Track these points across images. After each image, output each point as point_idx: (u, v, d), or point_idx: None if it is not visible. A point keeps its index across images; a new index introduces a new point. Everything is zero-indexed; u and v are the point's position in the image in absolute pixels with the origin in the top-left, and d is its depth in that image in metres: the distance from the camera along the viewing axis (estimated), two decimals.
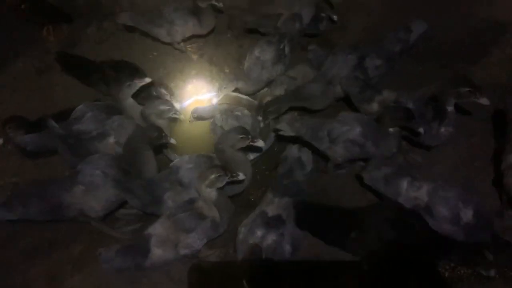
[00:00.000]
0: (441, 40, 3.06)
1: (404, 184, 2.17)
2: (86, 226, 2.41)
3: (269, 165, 2.73)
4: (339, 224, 2.21)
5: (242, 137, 2.25)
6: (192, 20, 3.03)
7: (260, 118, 2.70)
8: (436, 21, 3.01)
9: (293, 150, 2.48)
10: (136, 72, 2.77)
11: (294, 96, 2.68)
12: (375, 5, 3.33)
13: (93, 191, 2.20)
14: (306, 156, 2.47)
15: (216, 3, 2.98)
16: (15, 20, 3.26)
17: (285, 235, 2.12)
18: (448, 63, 2.97)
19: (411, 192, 2.15)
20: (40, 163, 2.72)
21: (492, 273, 2.10)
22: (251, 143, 2.29)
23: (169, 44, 3.21)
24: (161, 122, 2.54)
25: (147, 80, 2.55)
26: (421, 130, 2.24)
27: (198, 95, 3.07)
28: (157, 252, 2.05)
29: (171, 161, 2.49)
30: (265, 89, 2.94)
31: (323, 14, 3.06)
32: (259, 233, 2.10)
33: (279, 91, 2.80)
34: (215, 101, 2.87)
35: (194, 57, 3.31)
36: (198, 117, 2.81)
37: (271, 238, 2.09)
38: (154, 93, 2.81)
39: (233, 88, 2.86)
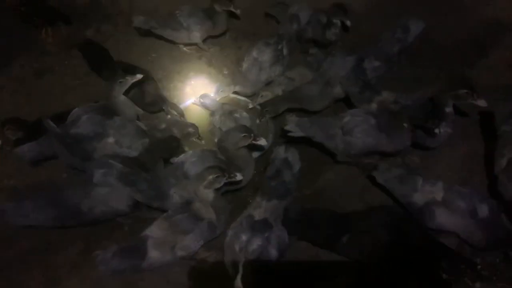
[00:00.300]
0: (440, 42, 3.07)
1: (420, 180, 2.20)
2: (82, 229, 2.40)
3: (259, 167, 2.74)
4: (331, 228, 2.20)
5: (244, 136, 2.26)
6: (207, 23, 3.08)
7: (250, 105, 2.76)
8: (435, 23, 3.02)
9: (280, 151, 2.45)
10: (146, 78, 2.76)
11: (292, 96, 2.70)
12: (373, 8, 3.33)
13: (113, 192, 2.22)
14: (293, 156, 2.44)
15: (234, 10, 3.03)
16: (14, 21, 3.26)
17: (271, 239, 2.09)
18: (446, 65, 2.98)
19: (428, 187, 2.17)
20: (37, 166, 2.70)
21: (478, 285, 2.10)
22: (253, 141, 2.30)
23: (178, 44, 3.26)
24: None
25: (139, 76, 2.54)
26: (437, 130, 2.25)
27: (196, 97, 3.06)
28: (154, 254, 2.04)
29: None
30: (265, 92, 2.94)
31: (335, 20, 2.96)
32: (244, 237, 2.07)
33: (277, 91, 2.80)
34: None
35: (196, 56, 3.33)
36: (203, 104, 2.81)
37: (256, 242, 2.06)
38: (163, 108, 2.81)
39: (230, 93, 2.88)
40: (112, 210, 2.28)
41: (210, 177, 2.07)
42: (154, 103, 2.81)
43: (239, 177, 2.15)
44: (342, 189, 2.57)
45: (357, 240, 2.11)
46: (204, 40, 3.24)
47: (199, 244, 2.12)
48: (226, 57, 3.28)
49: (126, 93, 2.63)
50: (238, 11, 3.06)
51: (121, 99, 2.57)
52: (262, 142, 2.32)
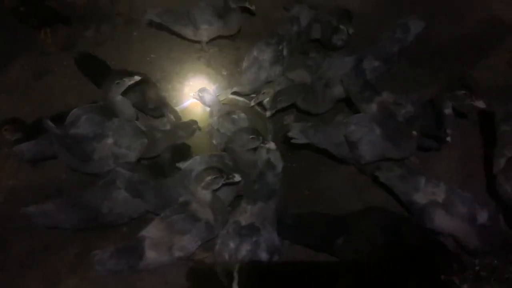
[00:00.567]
0: (438, 42, 3.06)
1: (423, 180, 2.20)
2: (80, 229, 2.40)
3: None
4: (325, 231, 2.20)
5: (252, 137, 2.27)
6: (218, 22, 3.07)
7: (253, 102, 2.75)
8: (433, 23, 3.02)
9: (262, 153, 2.40)
10: (145, 82, 2.77)
11: (304, 88, 2.68)
12: (371, 8, 3.33)
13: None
14: (274, 156, 2.40)
15: (249, 6, 3.02)
16: (13, 22, 3.26)
17: (260, 242, 2.08)
18: (445, 66, 2.97)
19: (430, 187, 2.17)
20: (37, 166, 2.71)
21: (465, 286, 2.10)
22: (261, 144, 2.30)
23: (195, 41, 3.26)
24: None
25: (136, 78, 2.54)
26: (449, 139, 2.24)
27: (195, 91, 3.06)
28: (151, 255, 2.04)
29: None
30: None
31: (341, 27, 2.95)
32: (232, 244, 2.07)
33: (277, 89, 2.78)
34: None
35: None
36: (202, 98, 2.79)
37: (245, 248, 2.05)
38: (164, 111, 2.82)
39: (229, 93, 2.88)
40: (129, 213, 2.32)
41: (208, 178, 2.06)
42: (157, 108, 2.82)
43: (237, 178, 2.15)
44: (341, 189, 2.57)
45: (353, 241, 2.11)
46: (210, 40, 3.23)
47: (197, 244, 2.12)
48: (225, 58, 3.28)
49: (128, 97, 2.64)
50: (253, 7, 3.03)
51: (118, 99, 2.56)
52: (271, 146, 2.31)
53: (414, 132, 2.30)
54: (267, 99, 2.77)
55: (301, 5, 3.07)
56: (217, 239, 2.17)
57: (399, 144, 2.34)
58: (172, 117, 2.80)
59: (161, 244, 2.06)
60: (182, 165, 2.46)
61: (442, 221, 2.11)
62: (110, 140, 2.45)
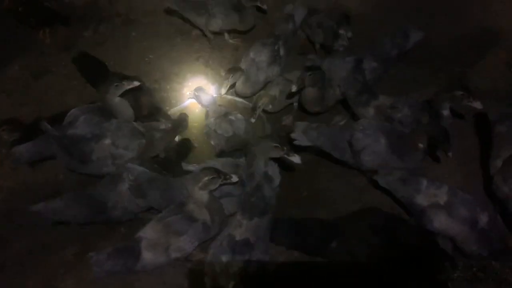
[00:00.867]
0: (437, 45, 3.06)
1: (424, 182, 2.18)
2: (78, 230, 2.42)
3: None
4: (319, 236, 2.20)
5: (276, 146, 2.23)
6: (233, 15, 3.10)
7: (253, 119, 2.70)
8: (432, 26, 3.02)
9: (259, 165, 2.32)
10: (139, 89, 2.76)
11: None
12: (371, 8, 3.33)
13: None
14: (273, 169, 2.35)
15: (260, 5, 3.05)
16: (12, 22, 3.26)
17: (252, 262, 2.06)
18: (443, 68, 2.97)
19: (432, 189, 2.15)
20: (35, 166, 2.71)
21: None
22: (285, 155, 2.24)
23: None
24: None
25: (136, 83, 2.55)
26: (450, 154, 2.21)
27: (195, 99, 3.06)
28: (148, 256, 2.04)
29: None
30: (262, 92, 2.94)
31: (341, 31, 2.95)
32: (224, 258, 2.04)
33: (274, 91, 2.79)
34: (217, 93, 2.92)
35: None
36: (197, 97, 2.77)
37: (236, 265, 2.04)
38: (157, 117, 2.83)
39: (234, 81, 2.84)
40: (133, 208, 2.33)
41: (206, 178, 2.06)
42: (150, 115, 2.83)
43: (234, 178, 2.14)
44: (339, 190, 2.57)
45: (346, 244, 2.11)
46: (229, 33, 3.27)
47: (194, 245, 2.12)
48: (223, 58, 3.28)
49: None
50: (265, 6, 3.07)
51: (117, 101, 2.56)
52: (296, 159, 2.23)
53: (421, 145, 2.26)
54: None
55: (295, 4, 3.09)
56: (209, 249, 2.13)
57: (403, 156, 2.30)
58: (163, 121, 2.79)
59: (158, 245, 2.06)
60: (186, 166, 2.47)
61: (443, 223, 2.09)
62: (108, 141, 2.46)
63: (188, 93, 2.89)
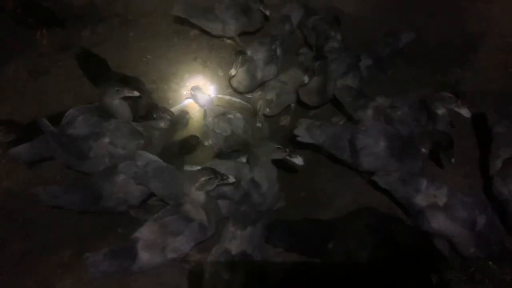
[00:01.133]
0: (433, 45, 3.07)
1: (424, 182, 2.16)
2: (76, 231, 2.41)
3: None
4: (316, 237, 2.19)
5: (278, 148, 2.21)
6: (243, 18, 3.14)
7: (259, 123, 2.73)
8: (429, 26, 3.02)
9: (244, 172, 2.29)
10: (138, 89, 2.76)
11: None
12: (368, 12, 3.34)
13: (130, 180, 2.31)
14: (259, 174, 2.28)
15: (264, 10, 3.08)
16: (10, 23, 3.26)
17: (254, 272, 2.04)
18: (441, 68, 2.97)
19: (432, 190, 2.13)
20: (32, 167, 2.70)
21: None
22: (287, 157, 2.22)
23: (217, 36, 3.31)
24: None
25: (135, 94, 2.57)
26: (453, 160, 2.21)
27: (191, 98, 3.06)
28: (145, 256, 2.04)
29: None
30: (258, 92, 2.94)
31: (332, 33, 2.97)
32: (226, 276, 2.00)
33: (271, 95, 2.80)
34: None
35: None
36: (194, 96, 2.78)
37: (239, 280, 2.00)
38: (155, 115, 2.79)
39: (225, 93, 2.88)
40: (126, 198, 2.33)
41: (202, 178, 2.05)
42: (148, 114, 2.82)
43: (231, 179, 2.13)
44: (337, 190, 2.56)
45: (343, 244, 2.11)
46: (239, 35, 3.27)
47: (190, 245, 2.11)
48: (221, 59, 3.29)
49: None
50: (267, 12, 3.09)
51: (116, 103, 2.57)
52: (299, 161, 2.21)
53: (424, 150, 2.25)
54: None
55: (292, 4, 3.11)
56: (205, 266, 2.08)
57: (403, 160, 2.28)
58: (167, 116, 2.77)
59: (155, 245, 2.05)
60: (187, 168, 2.51)
61: (441, 224, 2.07)
62: (106, 139, 2.47)
63: (185, 92, 2.89)
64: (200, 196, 2.09)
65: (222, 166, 2.27)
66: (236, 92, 3.01)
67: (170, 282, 2.21)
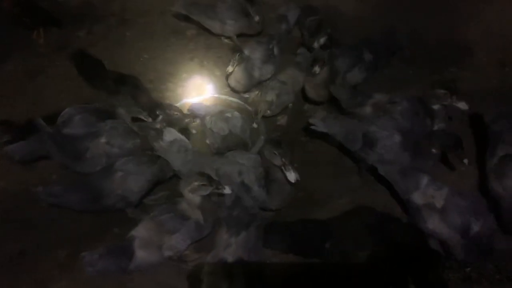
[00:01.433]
0: (432, 44, 3.07)
1: (425, 179, 2.12)
2: (71, 230, 2.40)
3: None
4: (313, 237, 2.18)
5: (274, 154, 2.17)
6: (242, 19, 3.14)
7: (255, 125, 2.73)
8: (427, 25, 3.03)
9: (234, 175, 2.27)
10: (136, 88, 2.79)
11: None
12: (366, 10, 3.34)
13: (130, 174, 2.31)
14: (248, 176, 2.26)
15: (253, 15, 3.11)
16: (6, 22, 3.25)
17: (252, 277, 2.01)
18: (437, 67, 2.98)
19: (431, 189, 2.09)
20: (28, 166, 2.69)
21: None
22: (282, 167, 2.18)
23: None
24: None
25: (143, 116, 2.62)
26: (465, 161, 2.19)
27: (189, 98, 3.06)
28: (141, 255, 2.03)
29: None
30: (256, 92, 2.94)
31: (328, 31, 2.97)
32: (224, 286, 1.95)
33: (271, 96, 2.79)
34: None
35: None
36: (192, 114, 2.77)
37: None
38: (158, 113, 2.75)
39: (240, 61, 2.84)
40: (125, 195, 2.32)
41: (196, 183, 2.04)
42: (150, 113, 2.77)
43: (227, 190, 2.09)
44: (334, 190, 2.55)
45: (340, 244, 2.10)
46: (238, 36, 3.27)
47: (186, 244, 2.10)
48: (218, 59, 3.28)
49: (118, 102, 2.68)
50: (256, 18, 3.10)
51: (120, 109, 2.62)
52: (291, 177, 2.15)
53: (434, 150, 2.25)
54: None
55: (289, 4, 3.12)
56: (202, 276, 2.02)
57: (415, 157, 2.28)
58: (174, 112, 2.75)
59: (151, 243, 2.05)
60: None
61: (436, 226, 2.05)
62: (103, 139, 2.46)
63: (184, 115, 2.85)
64: (195, 198, 2.08)
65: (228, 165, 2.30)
66: (234, 91, 3.01)
67: (167, 282, 2.20)
